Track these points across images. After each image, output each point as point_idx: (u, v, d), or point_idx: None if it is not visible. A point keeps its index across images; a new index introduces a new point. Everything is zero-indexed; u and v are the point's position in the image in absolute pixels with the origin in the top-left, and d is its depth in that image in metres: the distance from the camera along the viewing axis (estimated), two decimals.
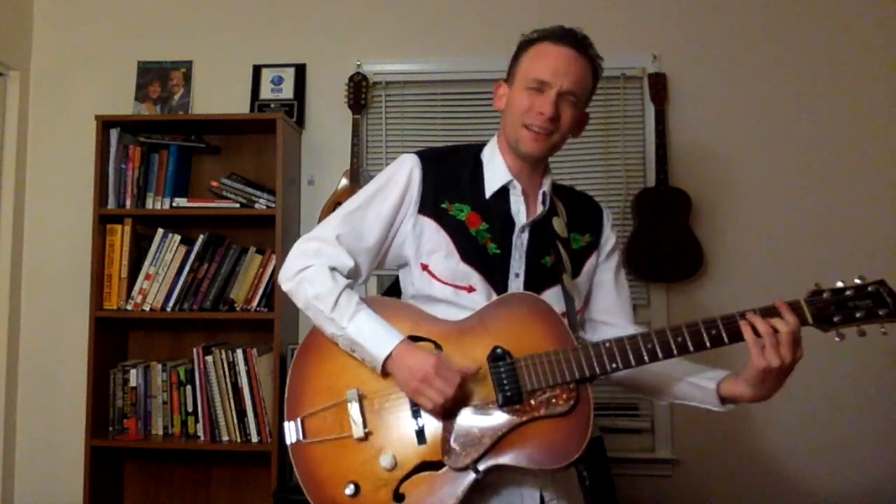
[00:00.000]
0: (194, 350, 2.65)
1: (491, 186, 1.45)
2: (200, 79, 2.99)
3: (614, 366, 1.31)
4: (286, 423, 1.39)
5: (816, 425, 2.72)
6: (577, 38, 1.44)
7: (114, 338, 2.79)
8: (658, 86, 2.80)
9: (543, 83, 1.39)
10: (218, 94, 2.97)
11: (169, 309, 2.66)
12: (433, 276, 1.42)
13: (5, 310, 2.89)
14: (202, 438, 2.62)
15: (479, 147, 1.53)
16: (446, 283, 1.41)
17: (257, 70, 2.96)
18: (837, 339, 1.28)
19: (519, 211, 1.44)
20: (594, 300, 1.54)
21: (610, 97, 2.87)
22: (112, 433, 2.67)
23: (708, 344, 1.29)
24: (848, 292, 1.27)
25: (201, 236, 2.69)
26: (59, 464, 2.88)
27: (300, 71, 2.96)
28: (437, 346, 1.36)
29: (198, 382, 2.64)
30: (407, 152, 1.48)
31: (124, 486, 2.85)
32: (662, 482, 2.75)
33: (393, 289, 1.59)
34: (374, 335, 1.34)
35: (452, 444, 1.30)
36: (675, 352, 1.30)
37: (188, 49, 3.00)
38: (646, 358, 1.31)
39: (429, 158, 1.47)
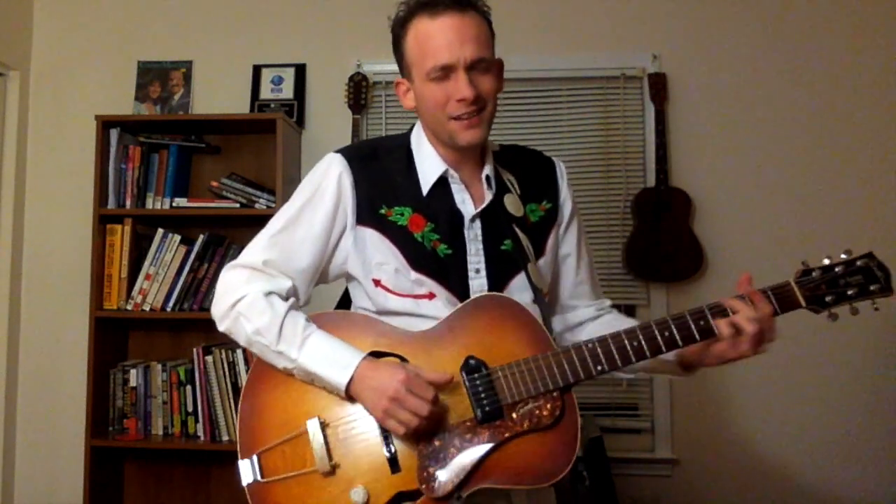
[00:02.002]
0: (194, 350, 2.65)
1: (427, 181, 1.31)
2: (200, 79, 2.99)
3: (600, 368, 1.21)
4: (240, 462, 1.24)
5: (817, 425, 2.72)
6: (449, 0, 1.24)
7: (114, 338, 2.79)
8: (658, 86, 2.80)
9: (445, 67, 1.22)
10: (218, 94, 2.97)
11: (169, 309, 2.66)
12: (388, 290, 1.29)
13: (5, 310, 2.89)
14: (202, 438, 2.62)
15: (407, 136, 1.38)
16: (403, 295, 1.28)
17: (257, 70, 2.96)
18: (830, 319, 1.22)
19: (464, 201, 1.32)
20: (560, 280, 1.43)
21: (610, 97, 2.87)
22: (112, 433, 2.67)
23: (697, 337, 1.20)
24: (838, 269, 1.21)
25: (201, 236, 2.69)
26: (59, 464, 2.88)
27: (300, 71, 2.95)
28: (403, 361, 1.23)
29: (198, 382, 2.64)
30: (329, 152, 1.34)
31: (124, 486, 2.84)
32: (662, 482, 2.75)
33: (343, 302, 1.46)
34: (331, 361, 1.21)
35: (430, 470, 1.18)
36: (663, 348, 1.21)
37: (188, 49, 3.00)
38: (632, 357, 1.21)
39: (356, 159, 1.32)
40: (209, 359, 2.63)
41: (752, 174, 2.81)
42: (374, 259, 1.30)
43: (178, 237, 2.70)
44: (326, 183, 1.31)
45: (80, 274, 2.81)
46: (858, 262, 1.22)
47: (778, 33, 2.85)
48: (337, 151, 1.36)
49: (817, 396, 2.71)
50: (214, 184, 2.73)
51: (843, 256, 1.23)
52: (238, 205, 2.67)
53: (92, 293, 2.66)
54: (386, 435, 1.21)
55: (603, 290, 1.53)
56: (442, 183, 1.32)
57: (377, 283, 1.30)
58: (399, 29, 1.31)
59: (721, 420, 2.77)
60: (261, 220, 2.80)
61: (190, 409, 2.65)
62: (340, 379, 1.20)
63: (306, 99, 2.95)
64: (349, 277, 1.37)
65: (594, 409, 2.77)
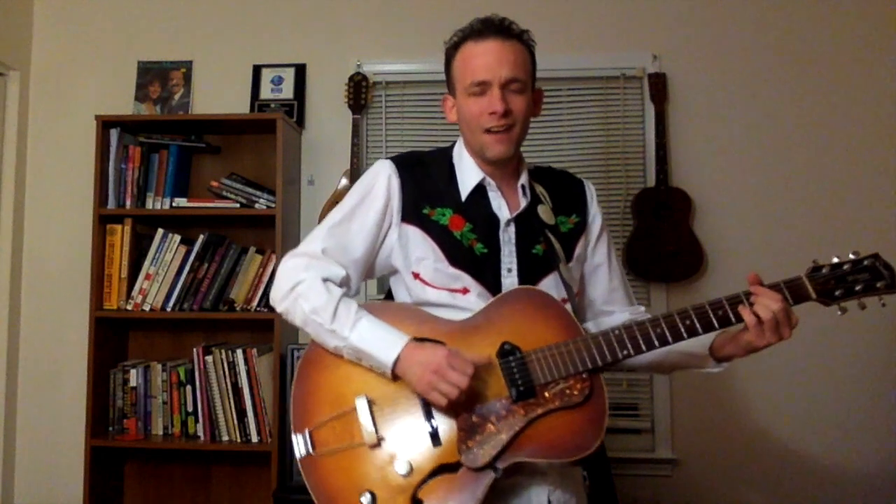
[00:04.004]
0: (194, 350, 2.65)
1: (466, 187, 1.45)
2: (200, 79, 2.99)
3: (626, 352, 1.31)
4: (294, 436, 1.35)
5: (817, 425, 2.72)
6: (497, 25, 1.41)
7: (114, 338, 2.79)
8: (658, 86, 2.80)
9: (482, 83, 1.37)
10: (218, 94, 2.97)
11: (169, 309, 2.66)
12: (426, 282, 1.41)
13: (5, 310, 2.89)
14: (202, 438, 2.62)
15: (449, 149, 1.52)
16: (440, 288, 1.40)
17: (257, 70, 2.96)
18: (839, 312, 1.30)
19: (500, 207, 1.44)
20: (592, 289, 1.54)
21: (610, 97, 2.87)
22: (112, 433, 2.67)
23: (716, 325, 1.30)
24: (846, 266, 1.30)
25: (201, 236, 2.69)
26: (59, 464, 2.88)
27: (300, 71, 2.95)
28: (443, 346, 1.33)
29: (198, 382, 2.64)
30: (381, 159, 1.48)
31: (124, 486, 2.84)
32: (662, 482, 2.75)
33: (387, 297, 1.57)
34: (380, 340, 1.32)
35: (469, 443, 1.27)
36: (684, 335, 1.30)
37: (188, 49, 3.00)
38: (656, 342, 1.30)
39: (404, 165, 1.46)
40: (209, 359, 2.63)
41: (752, 174, 2.81)
42: (415, 254, 1.42)
43: (178, 237, 2.70)
44: (378, 185, 1.44)
45: (80, 274, 2.81)
46: (865, 262, 1.31)
47: (778, 33, 2.85)
48: (387, 158, 1.49)
49: (817, 396, 2.71)
50: (214, 184, 2.73)
51: (850, 256, 1.31)
52: (238, 205, 2.67)
53: (92, 293, 2.66)
54: (428, 412, 1.31)
55: None
56: (480, 190, 1.45)
57: (416, 275, 1.42)
58: (451, 51, 1.45)
59: (721, 420, 2.77)
60: (261, 220, 2.83)
61: (190, 409, 2.65)
62: (388, 357, 1.30)
63: (306, 99, 2.95)
64: (392, 272, 1.49)
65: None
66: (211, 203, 2.70)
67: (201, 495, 2.82)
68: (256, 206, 2.66)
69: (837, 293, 1.29)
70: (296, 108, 2.92)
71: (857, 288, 1.28)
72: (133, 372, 2.69)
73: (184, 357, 2.77)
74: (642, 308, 1.58)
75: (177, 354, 2.81)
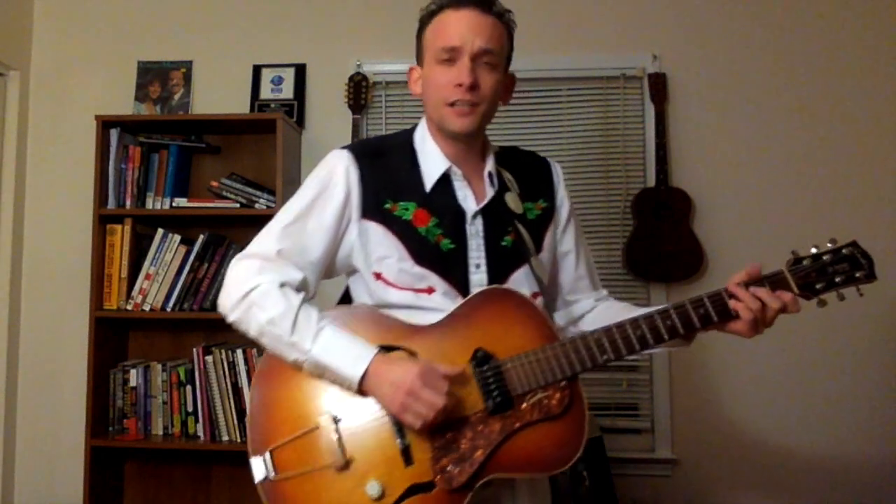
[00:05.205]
0: (194, 350, 2.65)
1: (430, 177, 1.34)
2: (200, 79, 2.99)
3: (605, 357, 1.24)
4: (252, 459, 1.26)
5: (817, 425, 2.72)
6: (478, 0, 1.30)
7: (114, 338, 2.79)
8: (658, 86, 2.80)
9: (453, 49, 1.27)
10: (218, 94, 2.97)
11: (169, 309, 2.66)
12: (388, 283, 1.31)
13: (5, 310, 2.89)
14: (202, 438, 2.62)
15: (410, 133, 1.41)
16: (404, 289, 1.30)
17: (257, 70, 2.96)
18: (819, 305, 1.27)
19: (466, 197, 1.35)
20: (561, 276, 1.48)
21: (610, 97, 2.87)
22: (112, 433, 2.67)
23: (697, 324, 1.24)
24: (826, 257, 1.28)
25: (201, 236, 2.69)
26: (59, 464, 2.88)
27: (300, 71, 2.95)
28: (412, 354, 1.25)
29: (198, 382, 2.64)
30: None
31: (124, 486, 2.84)
32: (662, 482, 2.75)
33: (344, 300, 1.47)
34: (344, 353, 1.22)
35: (443, 461, 1.19)
36: (665, 335, 1.24)
37: (188, 49, 3.00)
38: (636, 346, 1.24)
39: (363, 155, 1.35)
40: (209, 359, 2.63)
41: (752, 174, 2.81)
42: (377, 253, 1.32)
43: (178, 237, 2.70)
44: (336, 177, 1.33)
45: (80, 274, 2.81)
46: (844, 251, 1.28)
47: (778, 33, 2.85)
48: (343, 148, 1.38)
49: (818, 396, 2.71)
50: (214, 184, 2.73)
51: (828, 245, 1.30)
52: (238, 205, 2.67)
53: (92, 293, 2.66)
54: (398, 428, 1.22)
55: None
56: (445, 179, 1.35)
57: (378, 276, 1.32)
58: (426, 18, 1.36)
59: (721, 420, 2.77)
60: (261, 220, 2.79)
61: (190, 409, 2.65)
62: (354, 373, 1.21)
63: (306, 99, 2.95)
64: (351, 272, 1.39)
65: (594, 409, 2.76)
66: (211, 203, 2.70)
67: (201, 495, 2.82)
68: (256, 206, 2.66)
69: (819, 286, 1.26)
70: (296, 108, 2.92)
71: (838, 280, 1.26)
72: (133, 372, 2.69)
73: (184, 357, 2.77)
74: (605, 292, 1.53)
75: (177, 354, 2.81)
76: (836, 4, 2.84)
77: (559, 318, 1.49)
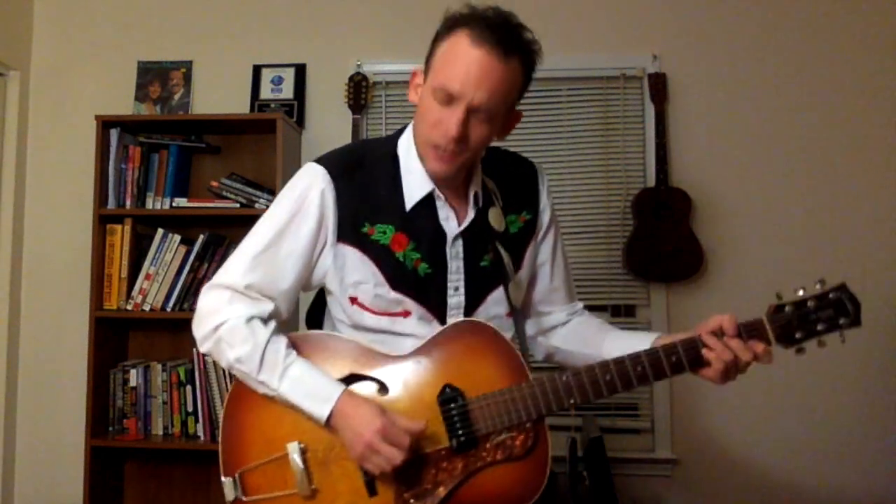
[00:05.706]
0: (194, 350, 2.65)
1: (412, 198, 1.29)
2: (200, 79, 2.99)
3: (572, 401, 1.24)
4: (223, 479, 1.28)
5: (817, 425, 2.72)
6: (501, 33, 1.19)
7: (114, 338, 2.79)
8: (658, 86, 2.80)
9: (451, 96, 1.19)
10: (218, 94, 2.97)
11: (169, 309, 2.65)
12: (364, 307, 1.30)
13: (5, 310, 2.89)
14: (202, 438, 2.62)
15: (395, 140, 1.34)
16: (380, 314, 1.30)
17: (257, 70, 2.96)
18: (797, 354, 1.24)
19: (447, 218, 1.31)
20: (536, 286, 1.46)
21: (610, 97, 2.87)
22: (112, 433, 2.66)
23: (668, 372, 1.24)
24: (810, 303, 1.23)
25: (201, 236, 2.69)
26: (59, 464, 2.88)
27: (300, 71, 2.95)
28: (382, 386, 1.26)
29: (198, 382, 2.64)
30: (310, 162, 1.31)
31: (124, 486, 2.84)
32: (662, 482, 2.75)
33: (317, 302, 1.48)
34: (311, 393, 1.22)
35: (405, 496, 1.22)
36: (634, 382, 1.24)
37: (188, 49, 3.00)
38: (604, 391, 1.25)
39: (340, 174, 1.28)
40: (209, 359, 2.63)
41: (752, 174, 2.81)
42: (353, 277, 1.30)
43: (178, 237, 2.70)
44: (310, 200, 1.28)
45: (80, 274, 2.81)
46: (831, 296, 1.23)
47: (778, 33, 2.85)
48: (319, 163, 1.31)
49: (818, 396, 2.71)
50: (214, 184, 2.73)
51: (817, 287, 1.24)
52: (238, 205, 2.67)
53: (92, 293, 2.66)
54: None
55: (603, 290, 1.55)
56: (427, 199, 1.31)
57: (353, 300, 1.31)
58: (446, 27, 1.25)
59: (721, 420, 2.77)
60: None
61: (190, 409, 2.65)
62: (321, 412, 1.22)
63: (306, 99, 2.95)
64: (326, 289, 1.38)
65: (594, 409, 2.76)
66: (211, 203, 2.70)
67: (201, 495, 2.82)
68: (256, 206, 2.66)
69: (798, 335, 1.23)
70: (296, 108, 2.92)
71: (820, 328, 1.21)
72: (133, 372, 2.69)
73: (184, 357, 2.77)
74: (580, 305, 1.52)
75: (177, 354, 2.81)
76: (835, 4, 2.84)
77: (529, 326, 1.48)
